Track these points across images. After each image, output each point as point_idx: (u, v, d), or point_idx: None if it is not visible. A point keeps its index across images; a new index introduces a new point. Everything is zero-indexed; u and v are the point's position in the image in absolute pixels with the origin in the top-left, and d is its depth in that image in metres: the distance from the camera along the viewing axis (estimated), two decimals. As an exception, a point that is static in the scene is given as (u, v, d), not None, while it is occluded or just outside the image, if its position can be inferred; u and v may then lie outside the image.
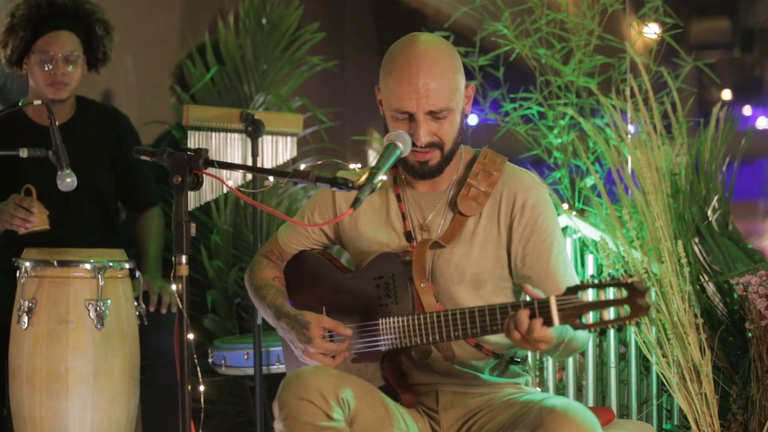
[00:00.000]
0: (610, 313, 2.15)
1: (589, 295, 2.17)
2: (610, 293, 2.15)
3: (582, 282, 2.18)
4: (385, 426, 2.44)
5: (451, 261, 2.52)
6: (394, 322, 2.49)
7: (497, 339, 2.52)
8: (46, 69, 3.50)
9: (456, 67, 2.50)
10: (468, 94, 2.54)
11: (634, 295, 2.13)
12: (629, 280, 2.13)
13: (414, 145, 2.47)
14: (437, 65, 2.45)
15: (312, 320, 2.54)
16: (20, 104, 3.39)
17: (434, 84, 2.43)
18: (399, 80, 2.45)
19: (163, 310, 3.50)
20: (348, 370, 2.57)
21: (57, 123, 3.39)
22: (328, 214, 2.68)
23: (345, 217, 2.37)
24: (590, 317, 2.17)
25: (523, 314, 2.20)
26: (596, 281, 2.16)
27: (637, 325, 2.39)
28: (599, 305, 2.16)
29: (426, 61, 2.45)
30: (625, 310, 2.13)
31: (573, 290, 2.18)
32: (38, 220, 3.24)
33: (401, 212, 2.59)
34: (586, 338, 2.47)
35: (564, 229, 3.65)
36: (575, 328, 2.19)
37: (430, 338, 2.44)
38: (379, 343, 2.51)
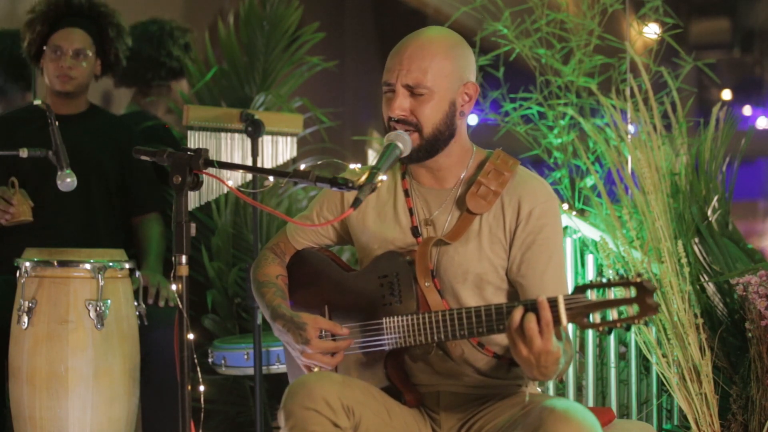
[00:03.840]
0: (618, 313, 2.15)
1: (595, 294, 2.16)
2: (618, 292, 2.14)
3: (590, 281, 2.17)
4: (387, 429, 2.44)
5: (455, 259, 2.52)
6: (398, 321, 2.48)
7: (501, 339, 2.52)
8: (56, 62, 3.67)
9: (452, 55, 2.50)
10: (468, 92, 2.53)
11: (643, 294, 2.11)
12: (638, 279, 2.12)
13: (390, 119, 2.48)
14: (428, 47, 2.48)
15: (308, 321, 2.54)
16: (38, 102, 3.44)
17: (418, 60, 2.47)
18: (391, 55, 2.52)
19: (161, 303, 3.51)
20: (351, 370, 2.57)
21: (70, 113, 3.68)
22: (336, 209, 2.68)
23: (352, 212, 2.38)
24: (597, 317, 2.16)
25: (531, 316, 2.20)
26: (604, 280, 2.16)
27: (645, 324, 2.38)
28: (607, 304, 2.14)
29: (418, 41, 2.50)
30: (634, 309, 2.12)
31: (581, 289, 2.17)
32: (18, 211, 3.36)
33: (408, 207, 2.59)
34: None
35: (564, 229, 3.65)
36: (583, 327, 2.18)
37: (435, 337, 2.43)
38: (382, 342, 2.51)
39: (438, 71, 2.47)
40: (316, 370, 2.56)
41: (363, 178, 2.34)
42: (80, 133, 3.70)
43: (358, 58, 5.55)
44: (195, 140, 3.68)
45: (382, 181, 2.35)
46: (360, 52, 5.59)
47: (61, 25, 3.70)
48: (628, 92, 3.80)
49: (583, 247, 3.68)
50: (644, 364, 3.64)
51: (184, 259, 2.33)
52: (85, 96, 3.80)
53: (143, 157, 2.44)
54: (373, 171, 2.35)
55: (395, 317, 2.49)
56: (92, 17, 3.77)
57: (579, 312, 2.17)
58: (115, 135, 3.80)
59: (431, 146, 2.51)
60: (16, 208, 3.34)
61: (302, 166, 4.43)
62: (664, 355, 3.28)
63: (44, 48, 3.70)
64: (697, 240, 3.50)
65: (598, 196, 3.76)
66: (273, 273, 2.73)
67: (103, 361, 3.08)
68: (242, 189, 3.73)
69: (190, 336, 2.34)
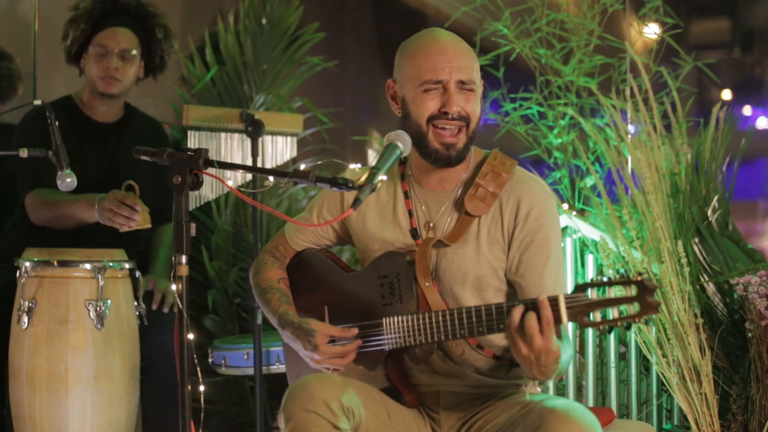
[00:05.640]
0: (618, 312, 2.14)
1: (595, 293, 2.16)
2: (619, 291, 2.14)
3: (591, 280, 2.17)
4: (387, 430, 2.44)
5: (454, 261, 2.52)
6: (398, 321, 2.48)
7: (500, 340, 2.52)
8: (101, 62, 3.57)
9: (475, 54, 2.58)
10: (483, 91, 2.60)
11: (644, 293, 2.11)
12: (639, 278, 2.12)
13: (445, 115, 2.48)
14: (462, 45, 2.55)
15: (317, 328, 2.53)
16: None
17: (464, 57, 2.51)
18: (429, 53, 2.50)
19: (165, 309, 3.50)
20: (351, 370, 2.57)
21: (106, 121, 3.62)
22: (336, 210, 2.68)
23: (352, 213, 2.37)
24: (598, 315, 2.16)
25: (531, 315, 2.20)
26: (605, 279, 2.15)
27: (646, 323, 2.36)
28: (608, 303, 2.14)
29: (453, 39, 2.54)
30: (635, 308, 2.12)
31: (582, 288, 2.17)
32: (142, 218, 3.24)
33: (408, 209, 2.59)
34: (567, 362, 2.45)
35: (564, 229, 3.65)
36: (583, 326, 2.17)
37: (435, 337, 2.43)
38: (382, 342, 2.51)
39: (476, 67, 2.55)
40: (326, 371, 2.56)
41: (363, 178, 2.34)
42: (116, 149, 3.62)
43: (358, 58, 5.55)
44: (195, 140, 3.68)
45: (382, 181, 2.35)
46: (360, 52, 5.59)
47: (107, 24, 3.58)
48: (628, 92, 3.80)
49: (583, 247, 3.68)
50: (644, 364, 3.64)
51: (184, 259, 2.33)
52: (123, 99, 3.70)
53: (143, 157, 2.44)
54: (374, 171, 2.35)
55: (395, 317, 2.49)
56: (140, 17, 3.65)
57: (580, 311, 2.16)
58: (151, 139, 3.70)
59: (470, 144, 2.55)
60: (141, 216, 3.21)
61: (302, 166, 4.44)
62: (664, 355, 3.28)
63: (87, 47, 3.59)
64: (697, 240, 3.50)
65: (598, 196, 3.76)
66: (274, 277, 2.72)
67: (103, 361, 3.08)
68: (242, 189, 3.73)
69: (190, 336, 2.34)
